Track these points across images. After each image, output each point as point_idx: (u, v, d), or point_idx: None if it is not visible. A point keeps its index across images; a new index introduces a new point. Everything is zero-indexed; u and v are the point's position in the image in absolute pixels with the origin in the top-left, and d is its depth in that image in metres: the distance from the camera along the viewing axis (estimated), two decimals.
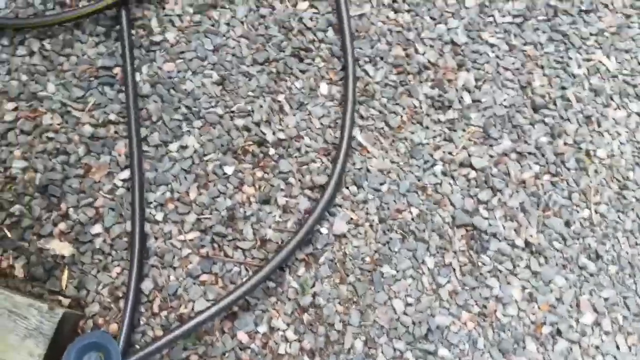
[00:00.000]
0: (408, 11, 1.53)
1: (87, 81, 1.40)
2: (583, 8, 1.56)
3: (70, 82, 1.40)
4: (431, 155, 1.39)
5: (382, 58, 1.47)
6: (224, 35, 1.46)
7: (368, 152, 1.39)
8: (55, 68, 1.41)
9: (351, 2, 1.52)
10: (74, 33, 1.44)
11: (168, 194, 1.31)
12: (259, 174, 1.35)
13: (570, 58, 1.51)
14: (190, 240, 1.27)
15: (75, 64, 1.42)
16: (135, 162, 1.26)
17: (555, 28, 1.53)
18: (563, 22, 1.54)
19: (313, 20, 1.50)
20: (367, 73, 1.46)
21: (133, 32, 1.46)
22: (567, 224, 1.35)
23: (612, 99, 1.47)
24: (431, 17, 1.52)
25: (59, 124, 1.35)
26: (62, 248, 1.24)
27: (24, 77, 1.38)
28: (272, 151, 1.37)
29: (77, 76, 1.41)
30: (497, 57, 1.50)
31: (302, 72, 1.45)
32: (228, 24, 1.48)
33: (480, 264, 1.31)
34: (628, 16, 1.57)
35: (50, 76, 1.40)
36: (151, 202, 1.30)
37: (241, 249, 1.28)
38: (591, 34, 1.54)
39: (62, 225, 1.26)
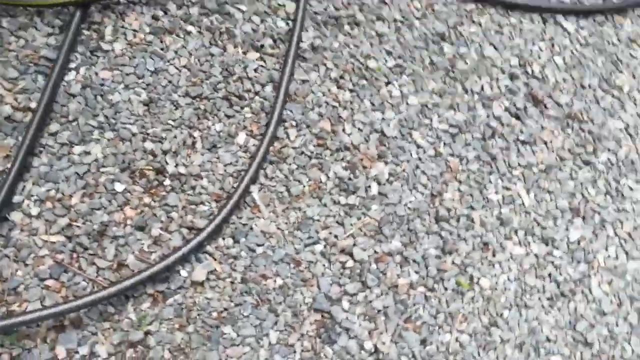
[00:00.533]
0: (351, 90, 1.51)
1: (25, 65, 1.41)
2: (521, 138, 1.52)
3: (9, 62, 1.41)
4: (317, 233, 1.35)
5: (308, 126, 1.45)
6: (168, 61, 1.46)
7: (259, 211, 1.36)
8: (3, 45, 1.42)
9: (300, 66, 1.51)
10: (33, 19, 1.46)
11: (52, 192, 1.30)
12: (146, 199, 1.33)
13: (490, 182, 1.46)
14: (52, 242, 1.26)
15: (22, 47, 1.43)
16: (21, 151, 1.26)
17: (486, 149, 1.49)
18: (496, 145, 1.50)
19: (257, 71, 1.49)
20: (288, 136, 1.44)
21: (87, 33, 1.47)
22: (424, 342, 1.30)
23: (516, 233, 1.42)
24: (370, 102, 1.50)
25: None
26: None
27: None
28: (167, 182, 1.35)
29: (19, 58, 1.41)
30: (420, 159, 1.46)
31: (227, 116, 1.44)
32: (176, 52, 1.48)
33: (322, 355, 1.26)
34: (562, 159, 1.52)
35: None
36: (33, 195, 1.29)
37: (97, 266, 1.25)
38: (519, 165, 1.49)
39: None
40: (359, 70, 1.51)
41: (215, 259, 1.29)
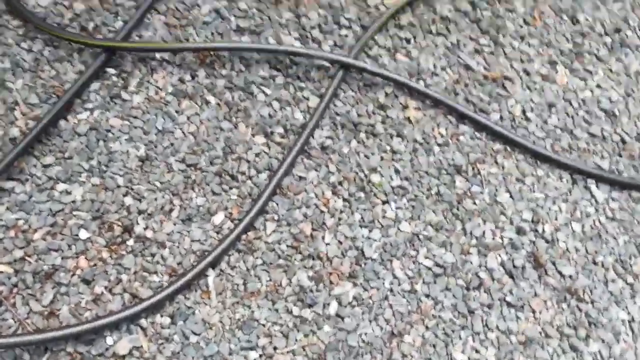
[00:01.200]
0: (345, 199, 1.41)
1: (48, 95, 1.43)
2: (508, 299, 1.35)
3: (35, 88, 1.43)
4: (257, 338, 1.25)
5: (288, 224, 1.36)
6: (178, 124, 1.43)
7: (208, 297, 1.27)
8: (36, 72, 1.45)
9: (303, 162, 1.44)
10: (72, 55, 1.48)
11: (20, 222, 1.28)
12: (104, 254, 1.28)
13: (459, 338, 1.30)
14: (0, 272, 1.23)
15: (51, 77, 1.45)
16: None
17: (467, 300, 1.34)
18: (478, 299, 1.34)
19: (258, 156, 1.43)
20: (264, 228, 1.35)
21: (114, 79, 1.47)
22: None
23: None
24: (361, 217, 1.39)
25: None
26: None
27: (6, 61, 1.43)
28: (130, 242, 1.30)
29: (45, 87, 1.43)
30: (391, 290, 1.33)
31: (214, 193, 1.38)
32: (188, 118, 1.45)
33: None
34: (548, 335, 1.33)
35: (25, 75, 1.44)
36: (2, 220, 1.27)
37: (30, 308, 1.21)
38: (497, 328, 1.32)
39: None
40: (360, 181, 1.41)
41: (146, 335, 1.21)
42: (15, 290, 1.21)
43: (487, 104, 1.56)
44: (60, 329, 1.17)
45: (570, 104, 1.58)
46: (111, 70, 1.46)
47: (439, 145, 1.48)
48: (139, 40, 1.49)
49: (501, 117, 1.54)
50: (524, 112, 1.56)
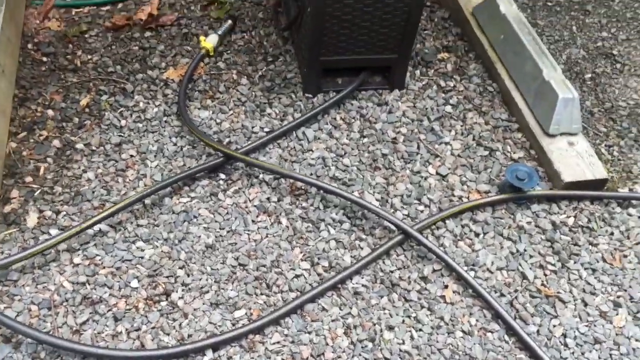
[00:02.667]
0: (352, 342, 1.52)
1: (168, 177, 1.82)
2: None
3: (162, 170, 1.84)
4: None
5: (293, 342, 1.50)
6: (248, 230, 1.71)
7: None
8: (171, 160, 1.87)
9: (333, 298, 1.60)
10: (202, 156, 1.89)
11: (96, 258, 1.62)
12: (141, 304, 1.55)
13: None
14: (63, 286, 1.55)
15: (178, 166, 1.86)
16: None
17: None
18: None
19: (297, 278, 1.62)
20: (271, 337, 1.51)
21: (221, 182, 1.83)
22: None
23: None
24: None
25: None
26: None
27: (155, 146, 1.87)
28: (164, 303, 1.55)
29: (170, 171, 1.84)
30: None
31: (246, 292, 1.59)
32: (258, 228, 1.72)
33: None
34: None
35: (162, 160, 1.86)
36: None
37: (66, 320, 1.50)
38: None
39: None
40: (374, 333, 1.51)
41: None
42: (65, 302, 1.50)
43: (529, 315, 1.57)
44: (85, 345, 1.40)
45: (618, 349, 1.53)
46: (222, 175, 1.81)
47: (463, 331, 1.53)
48: (251, 158, 1.82)
49: (538, 332, 1.55)
50: (564, 336, 1.54)
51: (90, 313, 1.48)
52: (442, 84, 2.14)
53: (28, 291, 1.50)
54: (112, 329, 1.46)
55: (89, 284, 1.53)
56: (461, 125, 2.00)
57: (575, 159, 1.86)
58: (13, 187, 1.72)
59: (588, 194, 1.82)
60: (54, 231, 1.62)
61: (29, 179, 1.75)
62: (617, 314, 1.58)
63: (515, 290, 1.61)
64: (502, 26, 2.15)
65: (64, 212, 1.67)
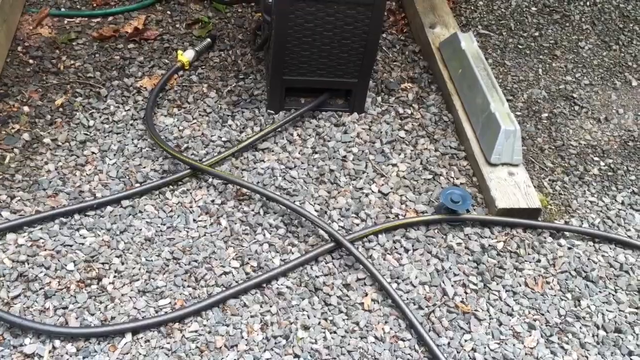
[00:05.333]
0: (265, 339, 1.58)
1: (122, 176, 1.94)
2: None
3: (119, 168, 1.96)
4: None
5: (209, 332, 1.58)
6: (188, 228, 1.80)
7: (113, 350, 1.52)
8: (128, 160, 1.99)
9: (256, 296, 1.67)
10: (164, 164, 2.00)
11: None
12: (73, 286, 1.64)
13: None
14: None
15: (135, 168, 1.98)
16: None
17: None
18: None
19: (225, 275, 1.71)
20: (190, 328, 1.58)
21: (172, 185, 1.93)
22: None
23: None
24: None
25: None
26: None
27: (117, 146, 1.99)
28: (94, 286, 1.64)
29: (125, 170, 1.95)
30: None
31: (175, 284, 1.67)
32: (197, 227, 1.81)
33: None
34: None
35: (120, 160, 1.98)
36: None
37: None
38: None
39: None
40: (289, 331, 1.57)
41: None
42: (1, 277, 1.60)
43: (443, 328, 1.63)
44: (13, 315, 1.48)
45: None
46: (179, 182, 1.90)
47: (375, 337, 1.59)
48: (205, 165, 1.92)
49: (449, 344, 1.59)
50: (474, 350, 1.59)
51: (23, 289, 1.57)
52: (401, 111, 2.24)
53: None
54: (40, 305, 1.55)
55: (28, 263, 1.63)
56: (411, 150, 2.09)
57: (512, 188, 1.93)
58: None
59: (521, 221, 1.88)
60: (5, 213, 1.72)
61: None
62: (529, 335, 1.62)
63: (434, 305, 1.66)
64: (462, 61, 2.25)
65: (19, 198, 1.78)
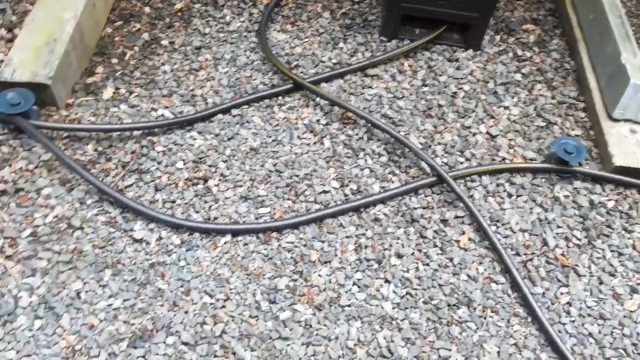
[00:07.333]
0: (358, 260, 1.60)
1: (231, 84, 1.96)
2: None
3: (231, 77, 1.98)
4: None
5: (304, 245, 1.61)
6: (292, 144, 1.82)
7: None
8: (239, 70, 2.01)
9: (352, 219, 1.68)
10: (277, 73, 2.01)
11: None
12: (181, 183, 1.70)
13: None
14: None
15: (246, 80, 1.99)
16: None
17: None
18: None
19: (324, 193, 1.71)
20: (286, 238, 1.62)
21: (281, 99, 1.94)
22: None
23: None
24: (356, 280, 1.56)
25: None
26: None
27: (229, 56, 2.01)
28: (200, 186, 1.70)
29: (236, 80, 1.98)
30: None
31: (275, 195, 1.70)
32: (301, 144, 1.82)
33: None
34: None
35: (232, 68, 2.00)
36: None
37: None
38: None
39: None
40: (382, 257, 1.57)
41: None
42: (117, 168, 1.68)
43: (540, 278, 1.58)
44: (128, 199, 1.56)
45: (622, 329, 1.51)
46: (287, 98, 1.91)
47: (468, 276, 1.56)
48: (314, 85, 1.90)
49: (543, 294, 1.55)
50: (569, 304, 1.54)
51: (136, 179, 1.65)
52: (519, 52, 2.12)
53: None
54: (150, 196, 1.62)
55: (143, 156, 1.69)
56: (526, 95, 1.99)
57: (633, 147, 1.81)
58: (100, 64, 1.92)
59: (638, 182, 1.76)
60: (124, 106, 1.79)
61: (114, 60, 1.94)
62: (631, 299, 1.55)
63: (532, 253, 1.61)
64: (595, 6, 2.09)
65: (136, 94, 1.85)
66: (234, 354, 1.37)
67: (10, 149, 1.67)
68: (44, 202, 1.57)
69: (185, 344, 1.37)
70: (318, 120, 1.84)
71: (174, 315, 1.41)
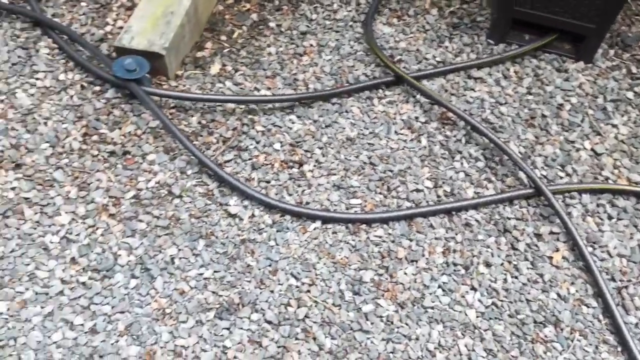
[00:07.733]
0: (446, 264, 1.58)
1: (333, 72, 1.97)
2: None
3: (333, 66, 1.99)
4: None
5: (393, 239, 1.61)
6: (387, 137, 1.81)
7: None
8: (342, 60, 2.02)
9: (442, 221, 1.66)
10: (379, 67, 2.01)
11: None
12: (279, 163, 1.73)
13: None
14: None
15: (348, 70, 2.00)
16: None
17: None
18: None
19: (417, 192, 1.71)
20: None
21: (383, 92, 1.94)
22: None
23: None
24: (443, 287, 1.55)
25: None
26: None
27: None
28: (294, 170, 1.73)
29: (338, 68, 1.99)
30: None
31: (368, 188, 1.70)
32: (397, 139, 1.82)
33: None
34: None
35: (334, 56, 2.01)
36: None
37: None
38: None
39: None
40: (470, 264, 1.55)
41: None
42: (218, 143, 1.72)
43: (634, 307, 1.52)
44: (227, 174, 1.61)
45: None
46: (387, 92, 1.90)
47: (558, 295, 1.52)
48: (414, 82, 1.88)
49: (637, 325, 1.49)
50: None
51: (235, 155, 1.69)
52: (634, 70, 2.02)
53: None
54: (247, 174, 1.65)
55: (244, 134, 1.73)
56: (637, 114, 1.90)
57: None
58: (209, 39, 1.97)
59: None
60: (229, 83, 1.84)
61: (223, 37, 1.98)
62: None
63: (629, 281, 1.54)
64: None
65: (242, 72, 1.89)
66: (314, 339, 1.38)
67: (122, 112, 1.74)
68: (148, 167, 1.63)
69: (269, 322, 1.40)
70: (417, 118, 1.82)
71: (260, 292, 1.44)
